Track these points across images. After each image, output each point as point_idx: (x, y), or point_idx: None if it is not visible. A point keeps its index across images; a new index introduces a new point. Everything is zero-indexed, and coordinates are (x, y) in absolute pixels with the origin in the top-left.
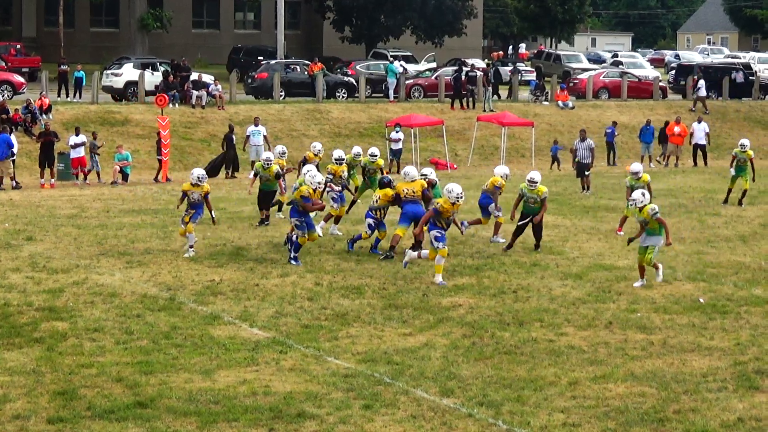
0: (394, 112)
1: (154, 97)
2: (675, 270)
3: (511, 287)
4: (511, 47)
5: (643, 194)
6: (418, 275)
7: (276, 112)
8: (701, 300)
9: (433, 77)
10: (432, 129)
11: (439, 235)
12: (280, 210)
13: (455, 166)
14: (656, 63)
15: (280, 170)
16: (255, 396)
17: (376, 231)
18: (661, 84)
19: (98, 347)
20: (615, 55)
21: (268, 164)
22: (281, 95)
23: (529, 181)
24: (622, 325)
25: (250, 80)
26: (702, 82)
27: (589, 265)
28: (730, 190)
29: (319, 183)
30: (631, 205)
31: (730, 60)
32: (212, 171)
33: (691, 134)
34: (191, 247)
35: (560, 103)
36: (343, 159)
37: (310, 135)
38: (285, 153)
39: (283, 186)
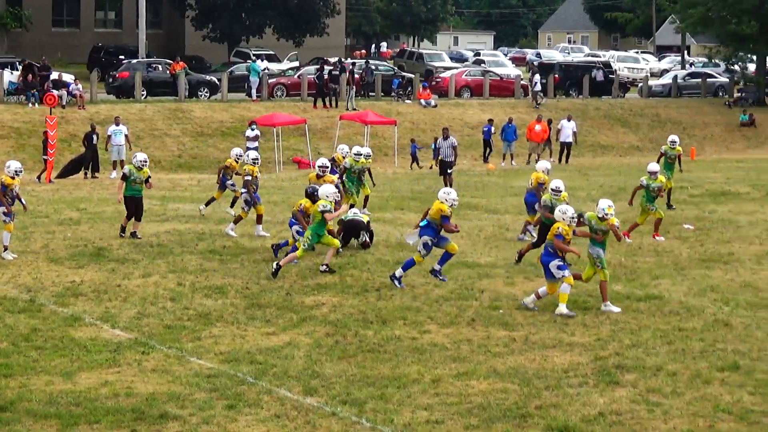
0: (257, 111)
1: (21, 97)
2: (536, 267)
3: (374, 285)
4: (373, 46)
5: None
6: (280, 274)
7: (137, 112)
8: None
9: (295, 76)
10: (295, 128)
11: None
12: (232, 206)
13: None
14: (518, 61)
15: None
16: (117, 397)
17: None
18: (522, 82)
19: None
20: (477, 54)
21: (143, 165)
22: (143, 94)
23: (553, 190)
24: (485, 322)
25: (111, 79)
26: (537, 77)
27: (452, 262)
28: (669, 190)
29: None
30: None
31: (590, 59)
32: (73, 170)
33: (558, 131)
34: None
35: (423, 101)
36: (258, 159)
37: (172, 134)
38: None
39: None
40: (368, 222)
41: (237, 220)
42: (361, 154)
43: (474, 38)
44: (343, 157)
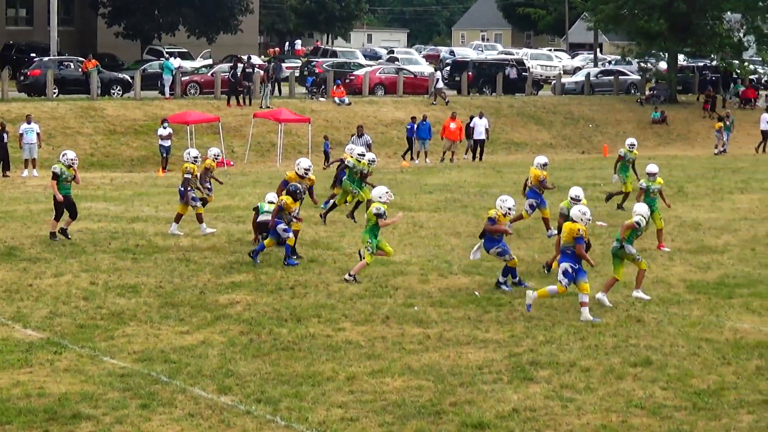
0: (170, 109)
1: None
2: (451, 264)
3: (288, 283)
4: (287, 44)
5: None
6: (195, 272)
7: (49, 110)
8: (477, 293)
9: (209, 74)
10: (208, 126)
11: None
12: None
13: (232, 163)
14: (431, 59)
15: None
16: (29, 398)
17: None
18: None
19: None
20: (391, 52)
21: (72, 163)
22: (55, 92)
23: (572, 198)
24: (399, 319)
25: (22, 77)
26: (439, 74)
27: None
28: (626, 194)
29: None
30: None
31: (503, 56)
32: None
33: (471, 129)
34: None
35: (336, 99)
36: (198, 157)
37: (84, 132)
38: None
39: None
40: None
41: (199, 218)
42: (363, 155)
43: (388, 36)
44: (350, 156)
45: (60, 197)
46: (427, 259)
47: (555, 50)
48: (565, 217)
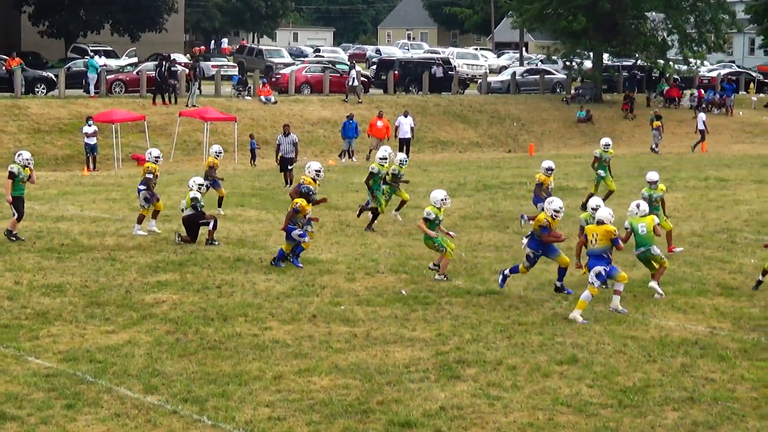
0: (95, 107)
1: None
2: (378, 262)
3: (215, 282)
4: (213, 42)
5: (638, 206)
6: (120, 272)
7: None
8: (403, 292)
9: (134, 72)
10: (134, 124)
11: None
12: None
13: None
14: (358, 58)
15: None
16: None
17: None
18: (362, 79)
19: None
20: (317, 50)
21: (28, 163)
22: None
23: (593, 209)
24: (326, 318)
25: None
26: (353, 72)
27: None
28: (591, 195)
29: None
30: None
31: (429, 55)
32: None
33: (397, 128)
34: None
35: (263, 98)
36: (160, 157)
37: (8, 131)
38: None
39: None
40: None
41: (141, 218)
42: (385, 159)
43: (314, 34)
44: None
45: (10, 198)
46: (354, 257)
47: (481, 49)
48: (583, 229)
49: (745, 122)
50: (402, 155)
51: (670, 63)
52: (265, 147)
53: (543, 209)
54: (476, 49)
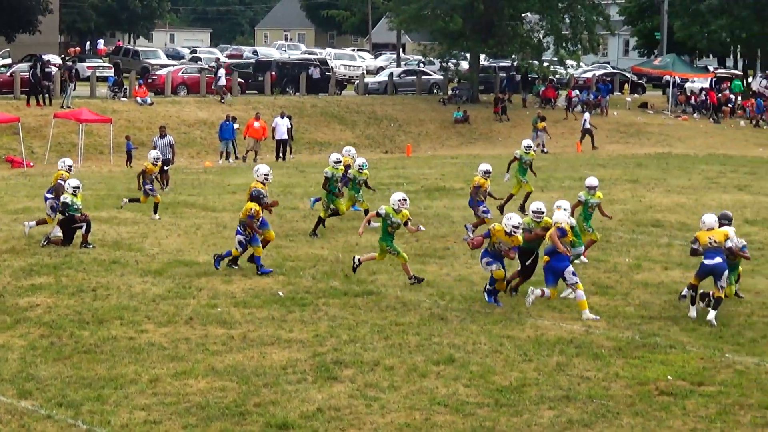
0: None
1: None
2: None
3: (90, 285)
4: (88, 43)
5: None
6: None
7: None
8: (280, 293)
9: (8, 74)
10: (8, 126)
11: None
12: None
13: (31, 164)
14: (234, 59)
15: None
16: None
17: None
18: (239, 80)
19: None
20: (194, 51)
21: None
22: None
23: (534, 212)
24: (203, 320)
25: None
26: (222, 72)
27: (169, 261)
28: (512, 195)
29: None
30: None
31: (307, 56)
32: None
33: (273, 129)
34: None
35: (139, 99)
36: (72, 166)
37: None
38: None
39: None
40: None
41: (40, 222)
42: (339, 162)
43: (191, 36)
44: (353, 159)
45: None
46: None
47: (358, 50)
48: (528, 231)
49: (620, 122)
50: (361, 159)
51: (546, 64)
52: (142, 149)
53: (480, 214)
54: (354, 50)
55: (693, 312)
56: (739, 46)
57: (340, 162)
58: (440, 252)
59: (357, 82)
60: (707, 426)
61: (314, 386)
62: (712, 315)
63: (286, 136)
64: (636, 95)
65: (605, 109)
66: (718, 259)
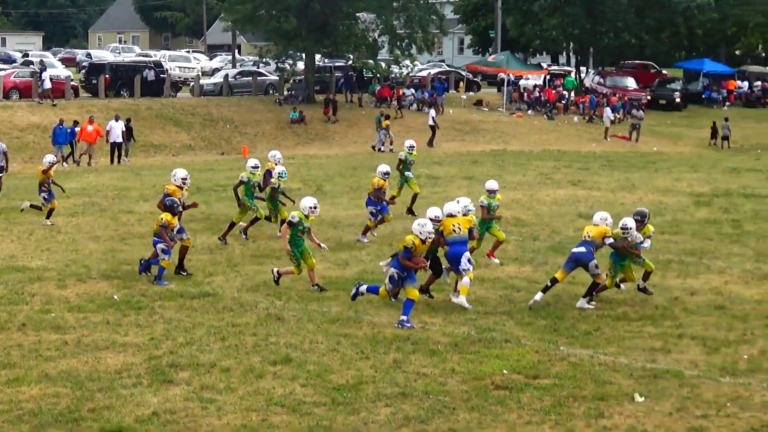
0: None
1: None
2: (90, 269)
3: None
4: None
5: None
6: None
7: None
8: (116, 297)
9: None
10: None
11: None
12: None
13: None
14: (68, 62)
15: None
16: None
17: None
18: (72, 83)
19: None
20: (26, 55)
21: None
22: None
23: (433, 219)
24: (36, 326)
25: None
26: (45, 74)
27: (2, 267)
28: (416, 195)
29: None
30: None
31: (141, 59)
32: None
33: (108, 132)
34: None
35: None
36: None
37: None
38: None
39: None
40: None
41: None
42: (257, 167)
43: (23, 39)
44: (276, 164)
45: None
46: (65, 264)
47: (193, 52)
48: (441, 234)
49: (455, 120)
50: (280, 168)
51: (381, 63)
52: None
53: (375, 214)
54: (189, 51)
55: (538, 296)
56: (571, 43)
57: (258, 168)
58: (277, 252)
59: (192, 83)
60: (542, 418)
61: (149, 390)
62: (582, 302)
63: (120, 140)
64: (471, 93)
65: (441, 107)
66: (582, 249)
